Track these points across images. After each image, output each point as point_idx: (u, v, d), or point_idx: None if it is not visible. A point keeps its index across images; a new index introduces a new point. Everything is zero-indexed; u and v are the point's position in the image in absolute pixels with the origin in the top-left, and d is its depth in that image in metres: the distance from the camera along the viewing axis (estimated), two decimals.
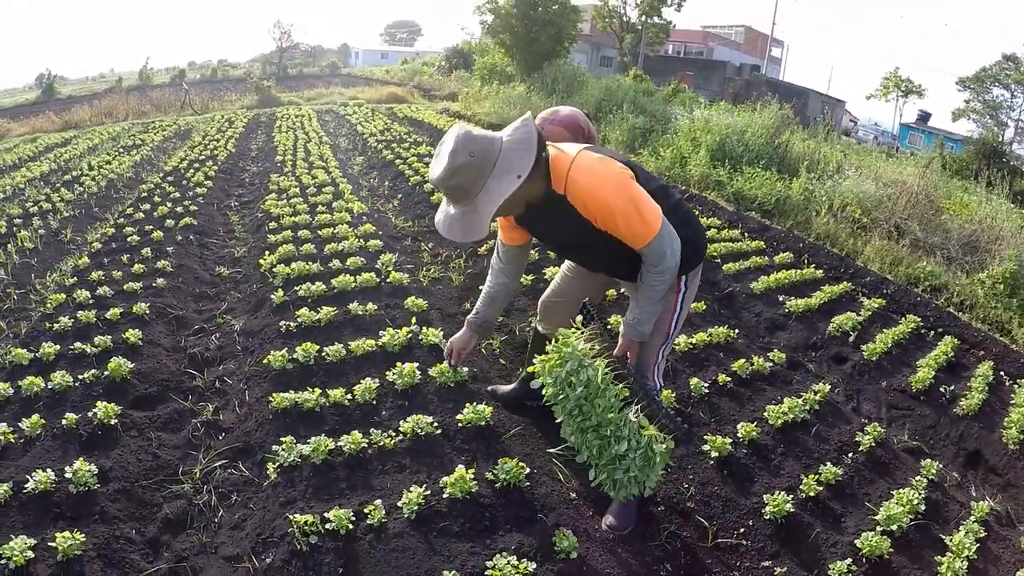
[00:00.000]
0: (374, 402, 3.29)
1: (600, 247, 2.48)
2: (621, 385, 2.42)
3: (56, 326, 4.48)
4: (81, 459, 2.91)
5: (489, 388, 3.58)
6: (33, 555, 2.43)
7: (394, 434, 3.00)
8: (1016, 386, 5.04)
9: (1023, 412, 4.33)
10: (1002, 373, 5.24)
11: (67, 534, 2.49)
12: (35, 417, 3.26)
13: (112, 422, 3.25)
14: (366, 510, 2.57)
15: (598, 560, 2.62)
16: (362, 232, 6.32)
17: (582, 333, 2.57)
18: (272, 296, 4.72)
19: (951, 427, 4.42)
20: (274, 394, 3.30)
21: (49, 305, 5.01)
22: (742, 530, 3.00)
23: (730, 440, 3.31)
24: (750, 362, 4.19)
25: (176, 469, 3.11)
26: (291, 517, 2.51)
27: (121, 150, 13.46)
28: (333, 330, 4.09)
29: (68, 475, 2.80)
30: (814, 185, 9.49)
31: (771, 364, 4.37)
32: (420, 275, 5.48)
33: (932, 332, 6.01)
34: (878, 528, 3.01)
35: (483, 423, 3.11)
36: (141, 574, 2.53)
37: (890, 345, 5.21)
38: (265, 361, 3.71)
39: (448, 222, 2.33)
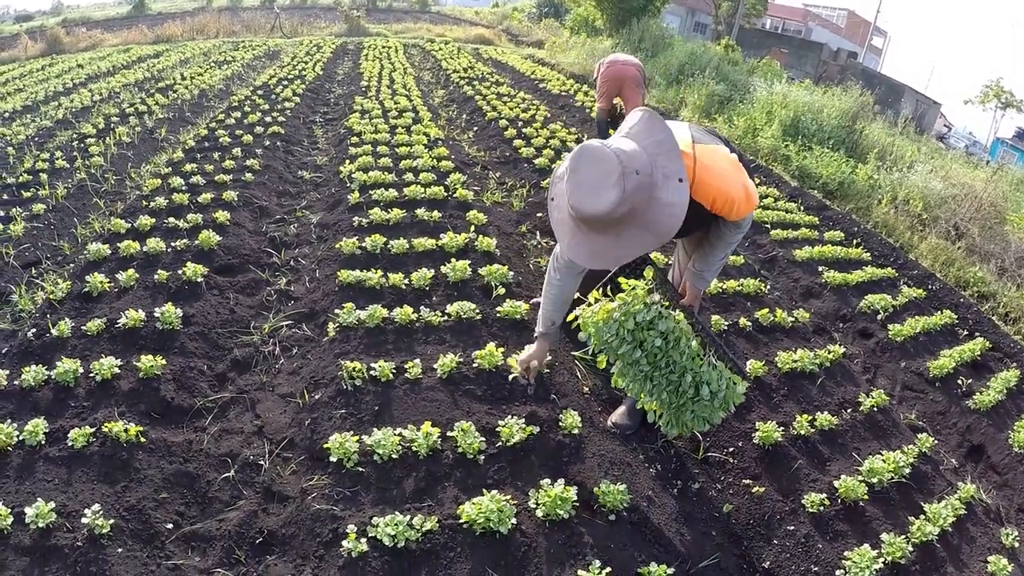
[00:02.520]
0: (427, 288, 3.76)
1: (699, 221, 2.54)
2: (695, 334, 2.51)
3: (151, 204, 5.07)
4: (169, 303, 3.47)
5: None
6: (119, 371, 3.00)
7: (440, 314, 3.47)
8: None
9: None
10: None
11: (150, 357, 3.05)
12: (130, 271, 3.85)
13: (198, 280, 3.80)
14: (406, 366, 3.06)
15: (595, 443, 3.00)
16: (436, 154, 6.73)
17: (650, 285, 2.54)
18: (348, 197, 5.22)
19: (960, 417, 4.39)
20: (341, 270, 3.80)
21: (146, 188, 5.62)
22: (731, 449, 3.30)
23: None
24: (773, 313, 4.37)
25: (248, 324, 3.66)
26: (343, 363, 3.02)
27: (212, 64, 14.11)
28: (400, 229, 4.55)
29: (156, 315, 3.36)
30: (881, 175, 9.36)
31: (793, 320, 4.54)
32: (484, 196, 5.88)
33: (967, 332, 5.70)
34: (859, 478, 3.14)
35: (518, 316, 3.53)
36: (207, 398, 3.08)
37: (918, 331, 5.17)
38: (337, 246, 4.22)
39: (604, 252, 2.14)
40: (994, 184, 9.53)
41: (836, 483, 3.06)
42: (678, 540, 2.73)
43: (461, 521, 2.46)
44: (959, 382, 4.73)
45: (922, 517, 3.08)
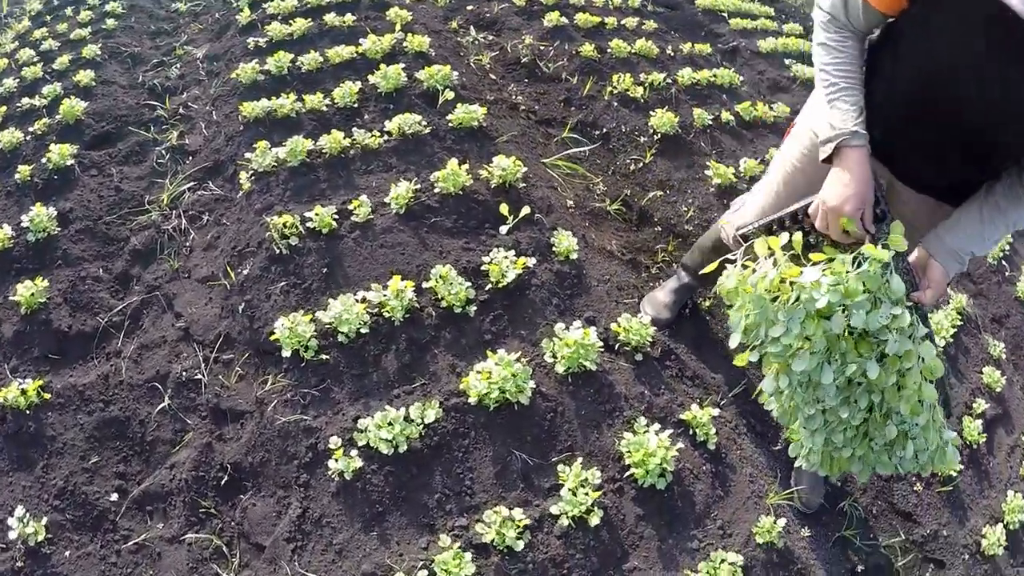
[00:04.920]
0: (355, 105, 2.89)
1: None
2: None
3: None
4: (38, 204, 2.69)
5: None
6: None
7: (379, 134, 2.63)
8: None
9: None
10: None
11: (28, 283, 2.31)
12: None
13: (68, 163, 2.98)
14: (351, 207, 2.32)
15: (596, 267, 2.45)
16: None
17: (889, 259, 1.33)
18: (237, 17, 4.13)
19: None
20: (243, 104, 2.89)
21: None
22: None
23: (732, 171, 3.03)
24: (754, 106, 3.76)
25: (141, 200, 2.86)
26: (268, 220, 2.25)
27: None
28: (307, 42, 3.56)
29: (25, 224, 2.61)
30: None
31: (775, 115, 3.87)
32: None
33: None
34: None
35: (475, 124, 2.72)
36: (112, 311, 2.37)
37: None
38: (234, 76, 3.26)
39: None
40: None
41: None
42: (706, 372, 2.31)
43: (469, 399, 1.86)
44: None
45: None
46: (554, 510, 1.83)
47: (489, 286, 2.18)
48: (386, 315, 2.04)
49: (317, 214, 2.23)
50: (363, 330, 2.01)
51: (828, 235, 1.42)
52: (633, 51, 3.65)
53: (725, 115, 3.54)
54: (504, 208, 2.35)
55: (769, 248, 1.41)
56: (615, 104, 3.06)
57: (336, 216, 2.26)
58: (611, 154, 2.93)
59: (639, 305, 2.42)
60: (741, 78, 4.14)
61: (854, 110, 1.41)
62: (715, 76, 3.92)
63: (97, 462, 1.99)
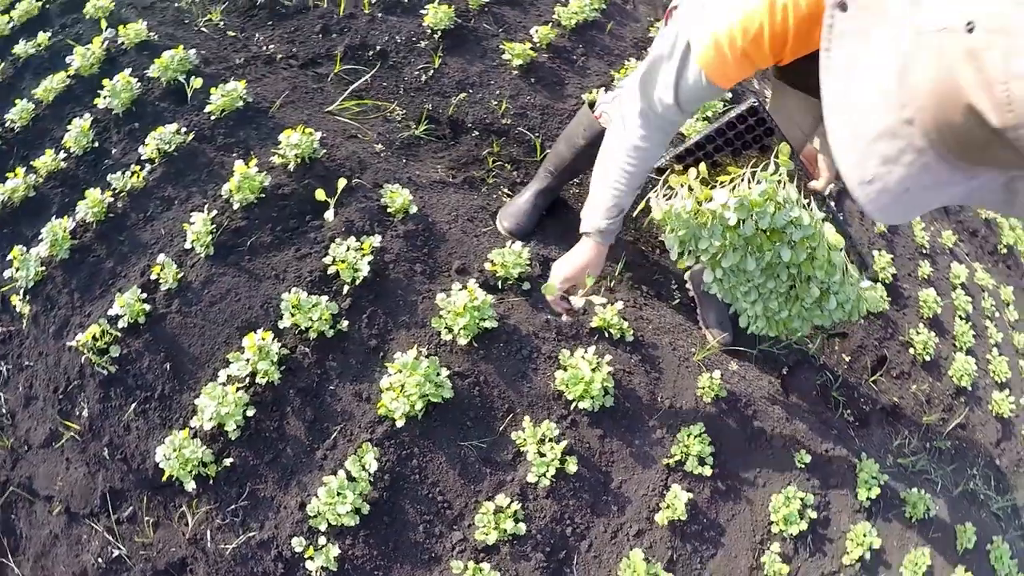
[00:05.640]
0: (96, 144, 2.22)
1: None
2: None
3: None
4: None
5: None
6: None
7: (138, 167, 2.11)
8: None
9: None
10: None
11: None
12: None
13: None
14: (153, 276, 1.91)
15: (437, 207, 2.24)
16: None
17: (782, 173, 1.56)
18: None
19: None
20: None
21: None
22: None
23: (529, 45, 2.74)
24: None
25: None
26: (75, 343, 1.85)
27: None
28: (8, 90, 2.63)
29: None
30: None
31: None
32: None
33: None
34: None
35: (240, 104, 2.25)
36: None
37: None
38: None
39: (932, 197, 0.90)
40: None
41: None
42: None
43: (396, 423, 1.76)
44: None
45: None
46: (530, 478, 1.81)
47: (347, 287, 1.94)
48: (262, 381, 1.77)
49: (122, 306, 1.80)
50: (249, 412, 1.73)
51: (725, 159, 1.61)
52: None
53: None
54: (319, 192, 2.03)
55: (681, 181, 1.62)
56: (379, 15, 2.64)
57: (144, 296, 1.84)
58: (395, 72, 2.57)
59: (496, 222, 2.29)
60: None
61: (615, 211, 1.61)
62: None
63: None
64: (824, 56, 0.90)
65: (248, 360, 1.78)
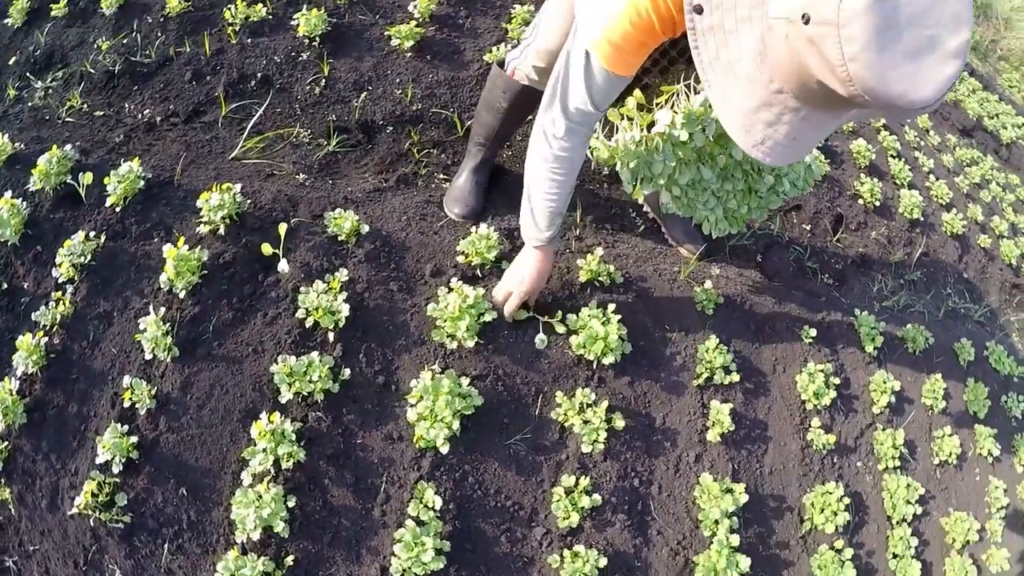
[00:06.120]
0: None
1: None
2: None
3: None
4: None
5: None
6: None
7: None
8: None
9: None
10: None
11: None
12: None
13: None
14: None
15: (385, 218, 2.13)
16: None
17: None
18: None
19: None
20: None
21: None
22: None
23: (415, 24, 2.59)
24: None
25: None
26: None
27: None
28: None
29: None
30: None
31: None
32: None
33: None
34: None
35: (141, 185, 2.00)
36: None
37: None
38: None
39: (809, 137, 1.07)
40: None
41: None
42: None
43: (440, 449, 1.74)
44: None
45: None
46: (584, 448, 1.82)
47: (331, 334, 1.83)
48: (288, 465, 1.65)
49: (107, 448, 1.62)
50: (290, 502, 1.62)
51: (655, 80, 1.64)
52: None
53: None
54: (264, 247, 1.89)
55: (626, 113, 1.61)
56: (248, 42, 2.40)
57: (126, 429, 1.67)
58: (286, 94, 2.36)
59: (445, 211, 2.22)
60: None
61: (556, 218, 1.68)
62: None
63: None
64: (695, 54, 1.05)
65: (264, 450, 1.66)
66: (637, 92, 1.59)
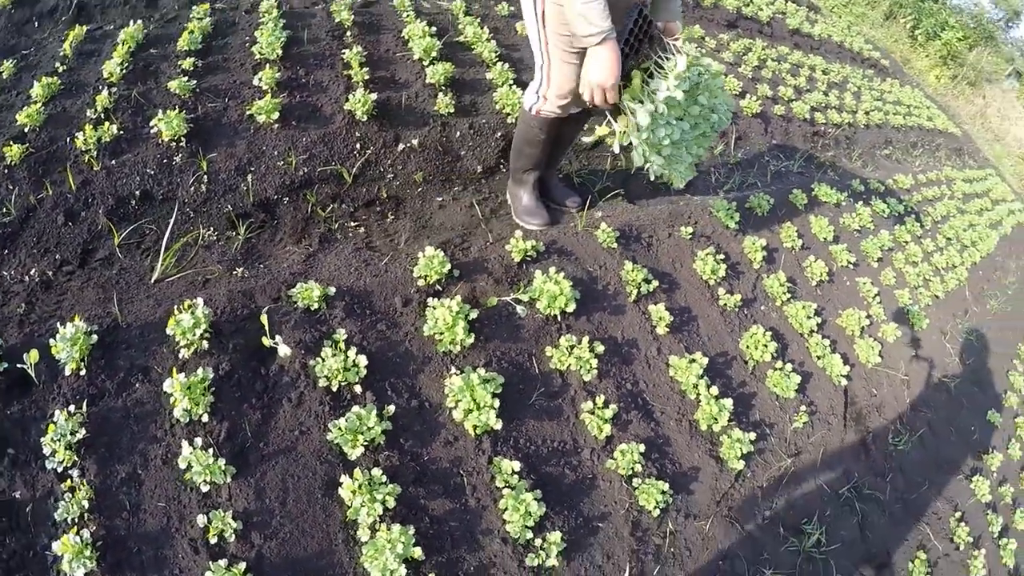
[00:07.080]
0: None
1: None
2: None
3: None
4: None
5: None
6: None
7: None
8: None
9: None
10: None
11: None
12: None
13: None
14: None
15: (345, 279, 2.31)
16: None
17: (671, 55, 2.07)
18: None
19: None
20: None
21: None
22: None
23: (270, 96, 2.82)
24: None
25: None
26: None
27: None
28: None
29: None
30: None
31: None
32: None
33: None
34: None
35: (93, 340, 1.94)
36: None
37: None
38: None
39: None
40: None
41: None
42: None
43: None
44: None
45: None
46: (586, 377, 2.26)
47: (357, 387, 2.02)
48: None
49: None
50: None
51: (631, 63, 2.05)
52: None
53: None
54: (263, 340, 2.01)
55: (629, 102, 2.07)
56: (112, 164, 2.28)
57: None
58: (171, 202, 2.35)
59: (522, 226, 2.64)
60: None
61: (607, 12, 1.89)
62: None
63: None
64: None
65: (363, 503, 1.82)
66: (637, 73, 2.04)
